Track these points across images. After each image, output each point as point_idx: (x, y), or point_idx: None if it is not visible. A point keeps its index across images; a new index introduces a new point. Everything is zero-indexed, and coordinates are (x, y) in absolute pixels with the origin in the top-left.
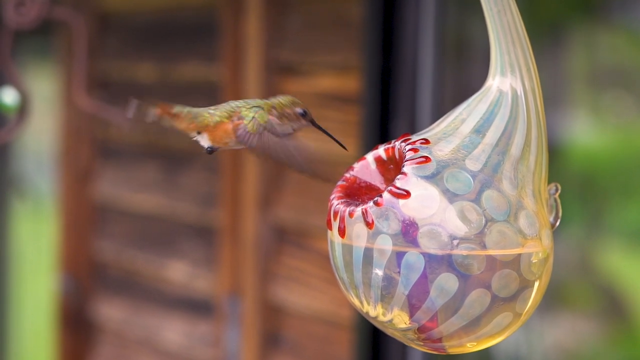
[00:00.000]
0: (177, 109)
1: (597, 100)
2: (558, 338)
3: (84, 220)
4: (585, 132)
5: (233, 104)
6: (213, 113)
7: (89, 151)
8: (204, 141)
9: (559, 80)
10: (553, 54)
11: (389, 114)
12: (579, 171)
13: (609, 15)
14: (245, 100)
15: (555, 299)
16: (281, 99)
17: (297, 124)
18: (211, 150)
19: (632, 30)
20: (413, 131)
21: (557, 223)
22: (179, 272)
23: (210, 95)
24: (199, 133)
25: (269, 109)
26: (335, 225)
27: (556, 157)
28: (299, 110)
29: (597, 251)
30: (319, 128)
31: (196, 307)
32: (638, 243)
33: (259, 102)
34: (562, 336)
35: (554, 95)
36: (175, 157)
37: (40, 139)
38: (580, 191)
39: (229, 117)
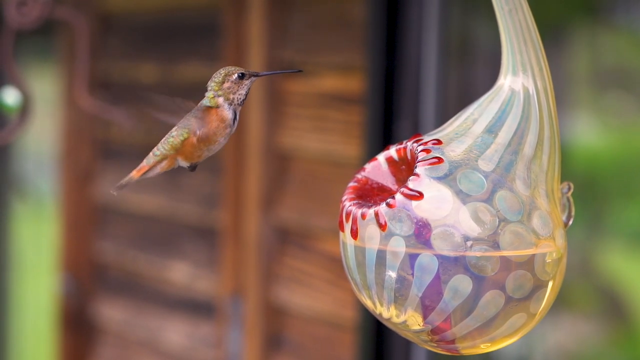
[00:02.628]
0: (146, 162)
1: (598, 101)
2: (559, 339)
3: (85, 221)
4: (587, 133)
5: (183, 122)
6: (175, 135)
7: (90, 152)
8: (183, 163)
9: (561, 81)
10: (555, 55)
11: (392, 114)
12: (580, 172)
13: (611, 17)
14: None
15: (556, 300)
16: (215, 80)
17: (244, 87)
18: (193, 168)
19: (634, 31)
20: (417, 131)
21: (570, 222)
22: (180, 273)
23: None
24: (179, 162)
25: (213, 98)
26: (347, 226)
27: None
28: (235, 77)
29: (598, 252)
30: (266, 74)
31: (198, 308)
32: (639, 244)
33: (206, 100)
34: (562, 337)
35: (555, 95)
36: None
37: (42, 140)
38: (581, 192)
39: (189, 132)
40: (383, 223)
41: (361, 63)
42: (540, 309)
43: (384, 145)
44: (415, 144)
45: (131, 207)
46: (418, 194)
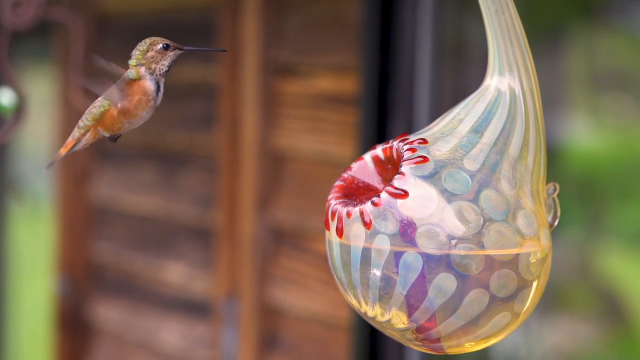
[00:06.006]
0: (71, 138)
1: (596, 103)
2: (557, 341)
3: (82, 222)
4: (585, 135)
5: (107, 93)
6: (97, 106)
7: (87, 153)
8: (104, 134)
9: (559, 82)
10: (552, 57)
11: (386, 115)
12: (578, 173)
13: (608, 18)
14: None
15: (554, 301)
16: (140, 49)
17: (168, 58)
18: (114, 139)
19: (631, 32)
20: (410, 132)
21: (556, 223)
22: (176, 274)
23: (208, 96)
24: (101, 133)
25: (136, 70)
26: (333, 225)
27: (555, 159)
28: (159, 47)
29: (596, 254)
30: (191, 49)
31: (194, 308)
32: (637, 245)
33: (131, 69)
34: (561, 339)
35: (553, 97)
36: (172, 158)
37: (38, 141)
38: (580, 193)
39: (110, 104)
40: (368, 221)
41: (356, 64)
42: (525, 309)
43: None
44: (401, 143)
45: (127, 208)
46: (403, 193)
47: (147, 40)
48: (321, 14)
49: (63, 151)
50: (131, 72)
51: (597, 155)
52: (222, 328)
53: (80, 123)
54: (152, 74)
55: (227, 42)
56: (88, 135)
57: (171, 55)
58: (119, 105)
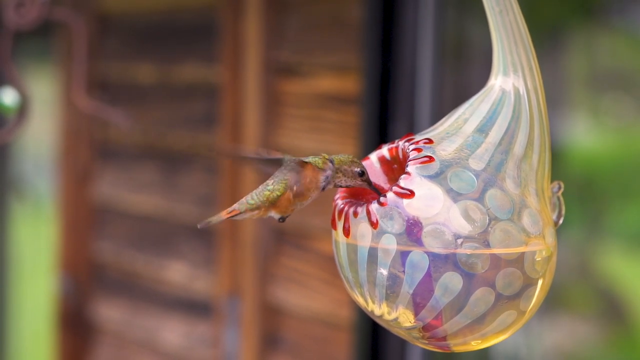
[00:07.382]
0: (238, 206)
1: (596, 103)
2: (557, 340)
3: (84, 222)
4: (585, 135)
5: (280, 174)
6: (272, 189)
7: (88, 152)
8: (274, 215)
9: (559, 82)
10: (553, 57)
11: (387, 115)
12: (578, 173)
13: (608, 19)
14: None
15: (554, 301)
16: (341, 157)
17: (351, 181)
18: (283, 219)
19: (631, 32)
20: (412, 132)
21: (561, 221)
22: (178, 273)
23: (209, 96)
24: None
25: (324, 161)
26: (340, 224)
27: (556, 159)
28: (356, 169)
29: (596, 254)
30: (373, 189)
31: (195, 308)
32: (637, 245)
33: (315, 158)
34: (561, 339)
35: (553, 97)
36: (174, 158)
37: (40, 140)
38: (580, 193)
39: (286, 187)
40: (375, 221)
41: (357, 64)
42: (530, 307)
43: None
44: (406, 143)
45: (129, 207)
46: (409, 192)
47: (351, 157)
48: (322, 14)
49: (225, 215)
50: (313, 159)
51: (597, 155)
52: (223, 327)
53: (251, 199)
54: (332, 177)
55: (229, 42)
56: (256, 212)
57: (358, 182)
58: (295, 188)
